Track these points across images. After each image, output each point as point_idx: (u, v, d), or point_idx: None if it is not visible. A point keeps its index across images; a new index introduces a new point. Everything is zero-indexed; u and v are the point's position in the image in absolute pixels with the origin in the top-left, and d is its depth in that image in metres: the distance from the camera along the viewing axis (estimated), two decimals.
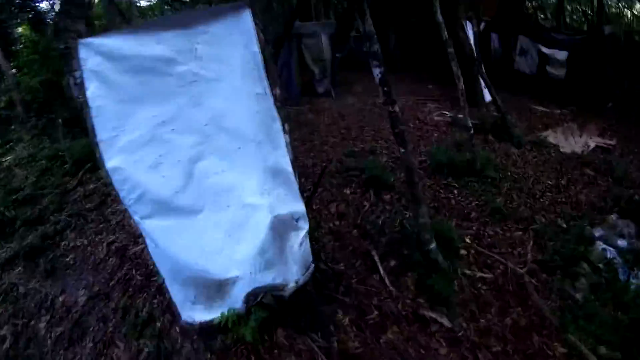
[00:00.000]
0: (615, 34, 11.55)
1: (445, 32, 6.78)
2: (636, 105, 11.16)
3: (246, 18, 3.39)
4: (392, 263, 4.88)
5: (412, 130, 9.62)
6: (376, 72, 3.99)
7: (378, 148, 8.42)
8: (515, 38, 13.15)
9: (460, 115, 10.42)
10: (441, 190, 6.65)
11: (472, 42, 10.71)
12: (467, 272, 4.80)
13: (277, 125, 3.41)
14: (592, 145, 9.10)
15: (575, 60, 11.67)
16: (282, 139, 3.43)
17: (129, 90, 3.18)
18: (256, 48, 3.35)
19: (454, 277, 4.62)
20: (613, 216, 6.10)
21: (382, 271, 4.71)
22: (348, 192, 6.54)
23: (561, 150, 8.78)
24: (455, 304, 4.33)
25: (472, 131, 6.87)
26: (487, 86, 10.68)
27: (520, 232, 5.69)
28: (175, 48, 3.26)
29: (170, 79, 3.29)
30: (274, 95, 3.41)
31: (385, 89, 3.99)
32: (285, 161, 3.46)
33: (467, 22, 10.80)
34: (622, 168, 7.60)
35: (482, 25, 10.24)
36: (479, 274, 4.83)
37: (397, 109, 4.11)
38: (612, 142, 9.30)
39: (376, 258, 4.88)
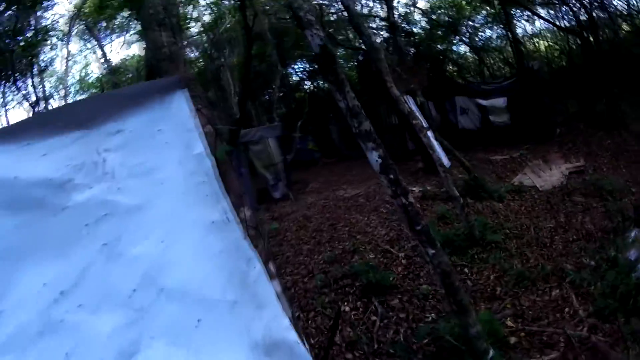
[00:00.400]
0: (542, 67, 11.99)
1: (405, 105, 6.24)
2: (579, 124, 11.71)
3: (181, 103, 2.36)
4: None
5: (386, 216, 8.77)
6: (373, 157, 2.97)
7: (359, 245, 7.42)
8: (452, 101, 13.35)
9: (429, 187, 9.91)
10: None
11: (418, 114, 10.55)
12: None
13: (256, 268, 2.14)
14: (566, 172, 8.69)
15: (514, 103, 11.87)
16: (269, 290, 2.14)
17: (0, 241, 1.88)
18: (202, 148, 2.24)
19: None
20: (634, 232, 5.17)
21: None
22: (347, 309, 5.32)
23: (541, 189, 8.23)
24: None
25: (461, 200, 6.04)
26: (446, 151, 10.35)
27: (557, 290, 4.67)
28: (72, 162, 2.08)
29: (66, 216, 2.00)
30: (244, 221, 2.27)
31: (391, 176, 2.96)
32: (282, 326, 2.10)
33: (408, 97, 10.71)
34: (608, 182, 7.11)
35: (420, 99, 10.23)
36: (545, 358, 3.63)
37: (411, 199, 3.08)
38: (581, 163, 9.03)
39: None
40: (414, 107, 10.58)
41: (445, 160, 11.47)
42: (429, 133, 10.04)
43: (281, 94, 22.59)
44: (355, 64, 20.29)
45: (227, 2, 16.38)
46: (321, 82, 24.59)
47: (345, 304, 5.48)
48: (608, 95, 11.25)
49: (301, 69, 24.91)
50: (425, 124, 10.31)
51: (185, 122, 2.35)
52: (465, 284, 5.27)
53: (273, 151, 12.78)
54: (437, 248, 2.87)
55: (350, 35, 18.77)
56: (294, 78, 25.30)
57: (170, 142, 2.27)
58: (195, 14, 16.61)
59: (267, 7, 16.23)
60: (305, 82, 24.84)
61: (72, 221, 2.00)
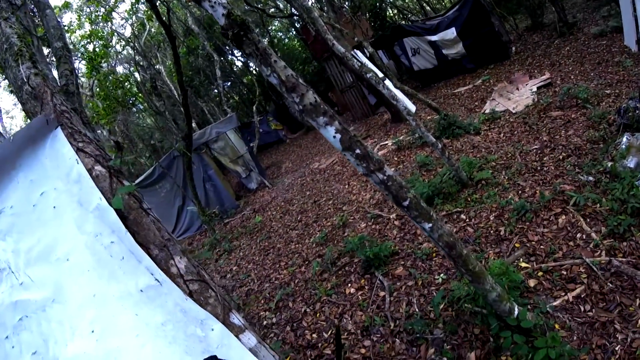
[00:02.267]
0: None
1: (353, 60, 5.70)
2: (533, 37, 11.41)
3: (58, 149, 1.97)
4: (473, 357, 3.26)
5: (366, 179, 8.36)
6: (330, 133, 2.33)
7: (347, 216, 7.04)
8: (401, 44, 12.81)
9: (401, 137, 9.50)
10: (449, 224, 5.26)
11: (371, 66, 10.02)
12: (555, 303, 3.29)
13: (214, 330, 1.70)
14: (535, 89, 8.37)
15: (463, 31, 11.43)
16: (241, 351, 1.70)
17: None
18: (98, 199, 1.84)
19: (549, 323, 3.10)
20: (625, 137, 4.85)
21: None
22: (353, 290, 4.96)
23: (514, 111, 7.89)
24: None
25: (439, 144, 5.64)
26: (409, 96, 9.91)
27: (563, 216, 4.32)
28: None
29: None
30: (179, 276, 1.78)
31: (357, 151, 2.33)
32: None
33: (356, 51, 10.13)
34: (580, 89, 6.71)
35: (369, 50, 9.65)
36: (570, 296, 3.32)
37: (390, 172, 2.44)
38: (547, 76, 8.68)
39: None
40: (364, 60, 10.05)
41: (411, 106, 11.06)
42: (387, 82, 9.56)
43: (228, 83, 21.56)
44: (294, 32, 19.46)
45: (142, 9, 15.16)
46: None
47: (349, 285, 5.12)
48: (554, 2, 10.88)
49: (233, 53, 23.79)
50: (380, 75, 9.82)
51: (70, 172, 1.92)
52: (466, 231, 4.93)
53: (235, 144, 12.13)
54: (433, 220, 2.42)
55: (281, 5, 17.85)
56: (237, 64, 24.16)
57: (58, 205, 1.87)
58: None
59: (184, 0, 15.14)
60: (249, 65, 23.72)
61: None
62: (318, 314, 4.87)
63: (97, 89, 12.39)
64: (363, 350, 3.92)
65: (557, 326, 3.09)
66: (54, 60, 4.60)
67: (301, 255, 6.54)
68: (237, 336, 1.70)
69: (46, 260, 1.81)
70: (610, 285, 3.22)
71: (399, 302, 4.36)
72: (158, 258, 1.77)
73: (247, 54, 2.26)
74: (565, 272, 3.57)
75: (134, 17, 15.61)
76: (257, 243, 8.05)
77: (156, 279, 1.71)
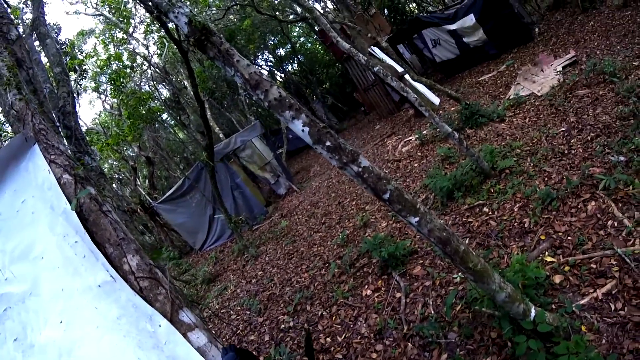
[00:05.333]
0: None
1: (361, 56, 5.40)
2: (555, 16, 10.54)
3: (36, 162, 2.23)
4: None
5: (393, 174, 8.02)
6: (298, 127, 2.13)
7: (369, 216, 6.71)
8: (421, 36, 12.30)
9: (424, 132, 9.06)
10: (470, 218, 4.84)
11: (389, 61, 9.66)
12: (583, 301, 2.82)
13: (161, 326, 1.70)
14: (560, 69, 7.67)
15: (483, 17, 10.75)
16: (186, 350, 1.66)
17: None
18: (64, 204, 2.03)
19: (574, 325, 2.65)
20: None
21: None
22: (370, 292, 4.65)
23: (539, 94, 7.26)
24: None
25: (456, 135, 5.22)
26: (430, 88, 9.48)
27: (593, 203, 3.80)
28: None
29: None
30: (130, 273, 1.82)
31: (328, 144, 2.11)
32: None
33: (374, 48, 9.80)
34: (607, 63, 6.05)
35: (383, 44, 9.27)
36: (599, 293, 2.85)
37: (365, 163, 2.20)
38: (572, 54, 7.92)
39: None
40: (382, 56, 9.69)
41: (434, 98, 10.59)
42: (407, 77, 9.18)
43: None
44: (316, 37, 19.29)
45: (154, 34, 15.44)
46: (293, 67, 23.62)
47: (366, 286, 4.81)
48: None
49: (265, 60, 23.89)
50: (400, 69, 9.44)
51: (44, 182, 2.16)
52: (489, 225, 4.50)
53: (262, 151, 12.06)
54: (420, 213, 2.09)
55: (299, 9, 17.73)
56: (262, 71, 24.26)
57: (36, 210, 2.13)
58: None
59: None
60: (275, 72, 23.77)
61: None
62: (334, 317, 4.60)
63: (123, 109, 12.82)
64: (374, 355, 3.62)
65: (583, 328, 2.65)
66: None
67: (322, 258, 6.29)
68: (185, 334, 1.69)
69: (26, 258, 2.04)
70: None
71: (415, 303, 4.01)
72: (112, 255, 1.87)
73: (211, 57, 2.14)
74: (594, 266, 3.11)
75: (153, 36, 15.98)
76: (282, 247, 7.87)
77: (111, 275, 1.82)
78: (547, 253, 3.56)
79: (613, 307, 2.69)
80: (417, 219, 2.13)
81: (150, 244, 14.53)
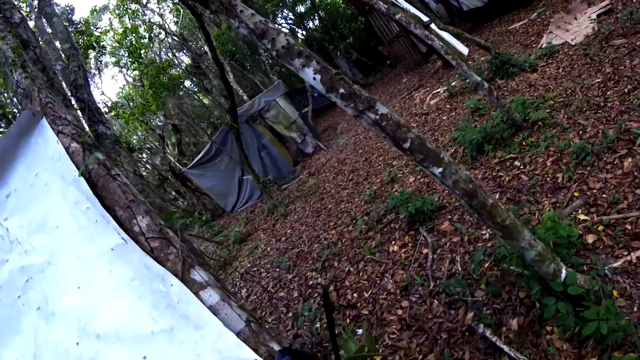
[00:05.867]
0: None
1: (381, 4, 5.11)
2: None
3: (45, 135, 2.27)
4: (515, 324, 2.83)
5: (421, 128, 7.79)
6: (309, 75, 2.03)
7: (396, 171, 6.58)
8: None
9: (453, 83, 8.66)
10: (501, 172, 4.67)
11: (413, 10, 9.14)
12: (616, 264, 2.70)
13: (173, 285, 1.70)
14: (594, 17, 7.03)
15: None
16: (199, 307, 1.65)
17: None
18: (73, 172, 2.08)
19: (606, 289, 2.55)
20: None
21: (507, 349, 2.65)
22: (396, 248, 4.64)
23: (573, 43, 6.73)
24: None
25: (485, 85, 4.94)
26: (458, 37, 8.96)
27: (630, 159, 3.57)
28: None
29: (3, 296, 2.07)
30: (141, 234, 1.84)
31: (342, 91, 1.99)
32: (230, 345, 1.59)
33: None
34: None
35: None
36: (634, 257, 2.71)
37: (383, 109, 2.07)
38: (607, 2, 7.21)
39: (487, 333, 2.83)
40: (406, 5, 9.16)
41: (462, 48, 10.03)
42: (433, 26, 8.68)
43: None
44: None
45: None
46: (314, 23, 22.79)
47: (393, 242, 4.80)
48: None
49: (285, 18, 23.07)
50: (425, 18, 8.91)
51: (54, 153, 2.20)
52: (520, 179, 4.33)
53: (287, 110, 11.91)
54: (444, 163, 1.98)
55: None
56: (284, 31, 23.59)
57: (48, 182, 2.18)
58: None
59: None
60: (296, 30, 22.97)
61: (9, 299, 2.06)
62: (361, 273, 4.65)
63: (144, 79, 12.86)
64: (400, 312, 3.66)
65: (615, 293, 2.56)
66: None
67: (349, 215, 6.30)
68: (197, 292, 1.69)
69: (43, 229, 2.09)
70: None
71: (442, 259, 3.99)
72: (122, 218, 1.89)
73: (214, 11, 2.05)
74: (629, 227, 2.96)
75: (168, 3, 15.63)
76: (311, 205, 7.93)
77: (122, 238, 1.84)
78: (580, 211, 3.41)
79: None
80: (440, 169, 2.04)
81: (184, 209, 15.03)
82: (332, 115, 17.51)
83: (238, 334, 1.60)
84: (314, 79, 1.99)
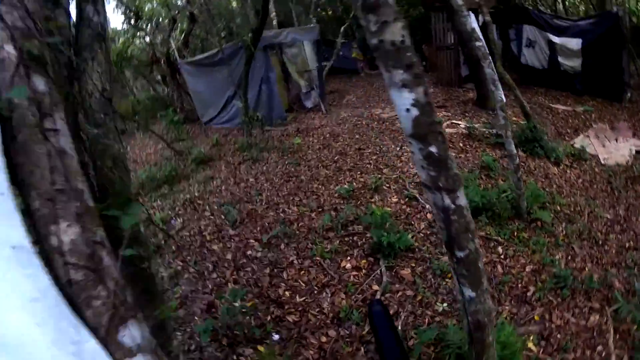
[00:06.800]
0: (626, 16, 9.44)
1: (469, 22, 4.63)
2: None
3: None
4: None
5: None
6: (404, 100, 1.50)
7: (384, 181, 6.21)
8: (519, 29, 10.94)
9: (477, 125, 8.31)
10: (481, 249, 4.44)
11: (480, 36, 8.53)
12: None
13: (89, 343, 1.02)
14: (634, 150, 6.93)
15: (589, 48, 9.47)
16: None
17: None
18: None
19: None
20: None
21: None
22: (349, 266, 4.41)
23: (603, 162, 6.63)
24: None
25: (517, 160, 4.67)
26: (505, 86, 8.51)
27: (597, 317, 3.51)
28: None
29: None
30: (59, 248, 1.04)
31: (431, 149, 1.50)
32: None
33: (471, 13, 8.56)
34: None
35: (485, 18, 8.06)
36: None
37: (463, 201, 1.63)
38: None
39: None
40: (475, 26, 8.52)
41: (501, 94, 9.64)
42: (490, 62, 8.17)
43: None
44: None
45: None
46: None
47: (348, 258, 4.54)
48: None
49: None
50: (486, 50, 8.38)
51: None
52: (495, 269, 4.16)
53: (308, 56, 11.13)
54: (480, 289, 1.62)
55: None
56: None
57: None
58: None
59: None
60: None
61: None
62: (303, 272, 4.39)
63: None
64: (324, 339, 3.44)
65: None
66: None
67: (319, 200, 5.95)
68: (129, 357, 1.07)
69: None
70: None
71: (389, 305, 3.77)
72: (38, 215, 1.07)
73: None
74: None
75: None
76: (284, 165, 7.49)
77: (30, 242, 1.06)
78: (532, 338, 3.29)
79: None
80: (474, 294, 1.71)
81: (161, 98, 13.96)
82: (346, 81, 16.70)
83: None
84: (407, 110, 1.47)
